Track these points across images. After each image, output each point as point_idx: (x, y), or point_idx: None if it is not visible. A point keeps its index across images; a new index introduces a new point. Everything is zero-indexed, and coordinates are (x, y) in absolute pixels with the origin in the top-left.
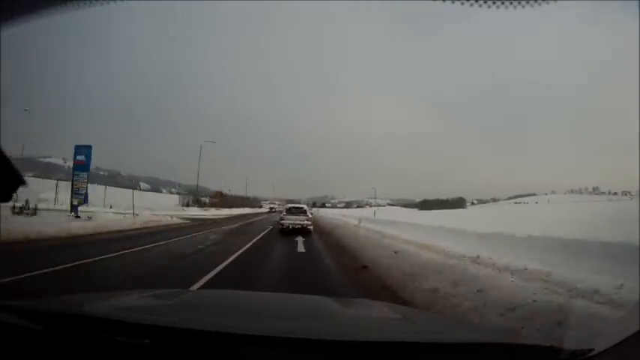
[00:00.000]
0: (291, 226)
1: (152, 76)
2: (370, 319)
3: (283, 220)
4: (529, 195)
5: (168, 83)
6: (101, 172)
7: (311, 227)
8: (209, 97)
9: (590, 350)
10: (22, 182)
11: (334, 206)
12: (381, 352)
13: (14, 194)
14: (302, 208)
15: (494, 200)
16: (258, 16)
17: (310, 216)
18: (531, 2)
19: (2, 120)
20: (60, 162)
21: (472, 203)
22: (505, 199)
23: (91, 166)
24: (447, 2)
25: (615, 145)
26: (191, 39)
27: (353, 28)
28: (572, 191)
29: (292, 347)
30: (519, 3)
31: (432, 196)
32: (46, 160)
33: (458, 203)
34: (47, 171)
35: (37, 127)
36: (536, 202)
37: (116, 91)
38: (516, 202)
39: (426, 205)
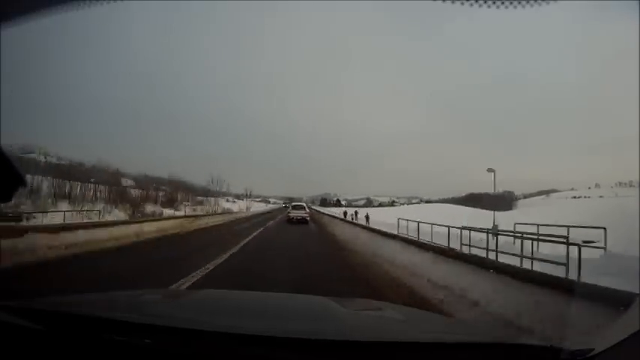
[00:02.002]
0: (295, 218)
1: (148, 73)
2: (370, 319)
3: (290, 213)
4: (549, 191)
5: (165, 80)
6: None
7: (308, 218)
8: (207, 94)
9: (590, 350)
10: (23, 182)
11: (350, 204)
12: (381, 352)
13: (14, 194)
14: (302, 205)
15: (544, 193)
16: (258, 15)
17: (307, 211)
18: (531, 2)
19: None
20: (39, 158)
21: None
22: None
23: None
24: (447, 2)
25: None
26: (189, 36)
27: (354, 27)
28: (597, 186)
29: (292, 347)
30: (519, 3)
31: (437, 195)
32: (26, 155)
33: (506, 200)
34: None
35: (22, 122)
36: (601, 197)
37: (109, 86)
38: (575, 197)
39: (472, 201)
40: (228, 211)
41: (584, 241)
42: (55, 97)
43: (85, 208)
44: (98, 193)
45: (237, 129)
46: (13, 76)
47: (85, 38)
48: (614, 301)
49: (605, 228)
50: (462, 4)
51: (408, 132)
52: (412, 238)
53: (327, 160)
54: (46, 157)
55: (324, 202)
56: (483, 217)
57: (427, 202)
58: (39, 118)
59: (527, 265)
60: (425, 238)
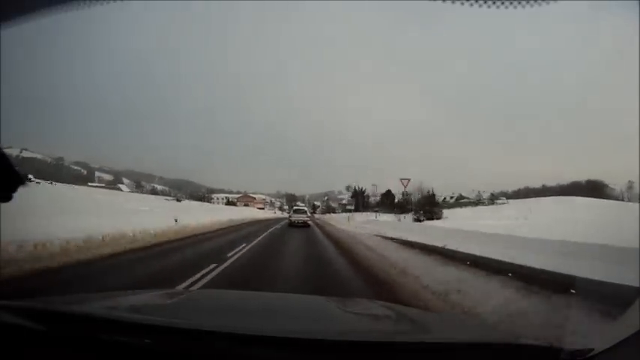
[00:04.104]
0: (296, 222)
1: (144, 68)
2: (370, 319)
3: (292, 217)
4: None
5: (159, 74)
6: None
7: (310, 222)
8: (202, 87)
9: (590, 350)
10: (22, 182)
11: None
12: (381, 353)
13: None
14: (304, 209)
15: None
16: (256, 9)
17: (309, 215)
18: (531, 2)
19: None
20: (14, 152)
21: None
22: None
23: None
24: (447, 2)
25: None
26: (188, 32)
27: (356, 20)
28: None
29: (292, 347)
30: (519, 3)
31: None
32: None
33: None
34: None
35: (21, 121)
36: None
37: (106, 83)
38: None
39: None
40: None
41: None
42: (52, 95)
43: None
44: None
45: (234, 124)
46: (12, 75)
47: (85, 38)
48: None
49: None
50: (462, 4)
51: (410, 124)
52: None
53: (329, 154)
54: (21, 152)
55: (361, 200)
56: None
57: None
58: (37, 117)
59: None
60: None
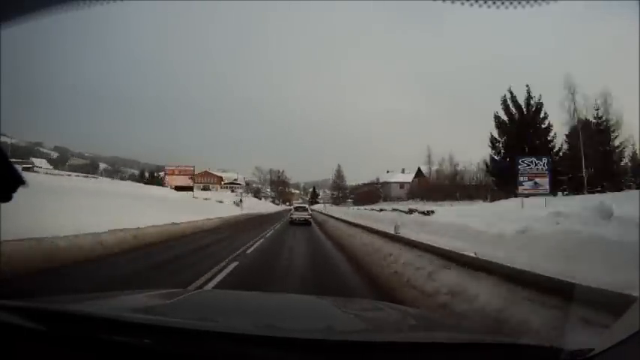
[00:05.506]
0: (297, 219)
1: (140, 60)
2: (370, 319)
3: (293, 214)
4: None
5: (148, 64)
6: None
7: (311, 220)
8: (184, 70)
9: (590, 350)
10: (22, 182)
11: None
12: (381, 353)
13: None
14: (305, 207)
15: None
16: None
17: (310, 212)
18: (531, 2)
19: None
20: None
21: None
22: None
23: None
24: (447, 2)
25: None
26: (169, 17)
27: (354, 6)
28: None
29: (292, 347)
30: (519, 3)
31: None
32: None
33: None
34: None
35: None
36: None
37: (100, 76)
38: None
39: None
40: None
41: None
42: (44, 86)
43: None
44: None
45: (221, 107)
46: (13, 75)
47: (84, 34)
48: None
49: None
50: (462, 4)
51: (409, 112)
52: None
53: (326, 141)
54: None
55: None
56: None
57: None
58: (28, 107)
59: None
60: None
